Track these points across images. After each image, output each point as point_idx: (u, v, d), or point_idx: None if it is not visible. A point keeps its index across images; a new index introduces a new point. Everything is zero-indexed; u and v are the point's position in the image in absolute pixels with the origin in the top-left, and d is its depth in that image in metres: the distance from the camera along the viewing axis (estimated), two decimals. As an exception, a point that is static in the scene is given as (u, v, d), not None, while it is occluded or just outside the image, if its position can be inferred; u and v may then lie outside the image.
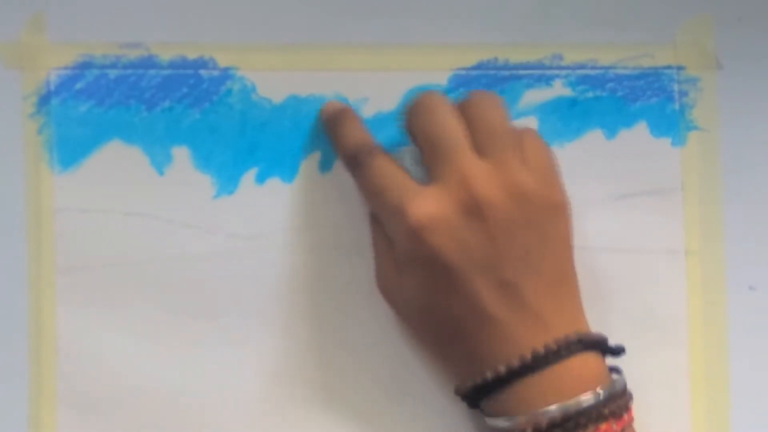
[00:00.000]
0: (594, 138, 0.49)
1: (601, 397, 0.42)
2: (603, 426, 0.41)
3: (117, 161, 0.46)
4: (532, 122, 0.48)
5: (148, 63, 0.47)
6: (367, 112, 0.47)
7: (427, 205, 0.42)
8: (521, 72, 0.48)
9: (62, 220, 0.46)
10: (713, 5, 0.49)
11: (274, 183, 0.47)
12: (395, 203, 0.43)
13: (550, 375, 0.42)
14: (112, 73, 0.47)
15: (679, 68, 0.49)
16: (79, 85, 0.46)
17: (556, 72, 0.48)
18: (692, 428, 0.49)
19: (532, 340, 0.42)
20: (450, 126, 0.43)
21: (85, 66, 0.46)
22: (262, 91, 0.47)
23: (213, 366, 0.47)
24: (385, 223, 0.44)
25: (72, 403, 0.46)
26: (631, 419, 0.43)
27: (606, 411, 0.42)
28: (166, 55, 0.47)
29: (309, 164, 0.47)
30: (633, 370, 0.48)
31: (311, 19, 0.47)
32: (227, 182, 0.47)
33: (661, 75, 0.49)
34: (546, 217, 0.43)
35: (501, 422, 0.43)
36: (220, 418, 0.47)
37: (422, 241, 0.42)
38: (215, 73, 0.47)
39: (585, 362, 0.43)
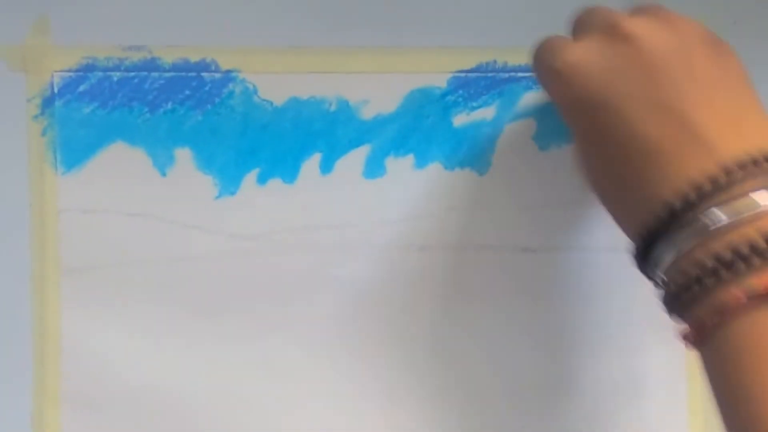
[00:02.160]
0: (592, 139, 0.49)
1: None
2: None
3: (120, 162, 0.47)
4: (530, 124, 0.48)
5: (151, 65, 0.47)
6: (368, 113, 0.48)
7: (570, 51, 0.41)
8: (520, 74, 0.48)
9: (66, 220, 0.47)
10: (709, 8, 0.49)
11: (276, 184, 0.47)
12: (548, 58, 0.41)
13: (719, 210, 0.37)
14: (116, 76, 0.47)
15: (677, 70, 0.49)
16: (82, 88, 0.47)
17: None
18: (690, 428, 0.49)
19: (699, 171, 0.37)
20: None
21: (88, 68, 0.47)
22: (264, 93, 0.47)
23: (215, 365, 0.47)
24: (547, 90, 0.43)
25: (75, 402, 0.47)
26: None
27: None
28: (168, 58, 0.47)
29: (310, 165, 0.48)
30: (631, 369, 0.49)
31: (312, 22, 0.48)
32: (229, 183, 0.47)
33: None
34: (711, 49, 0.40)
35: (666, 279, 0.38)
36: (222, 417, 0.47)
37: (568, 86, 0.40)
38: (217, 75, 0.47)
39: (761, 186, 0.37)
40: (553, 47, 0.42)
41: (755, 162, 0.37)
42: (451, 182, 0.48)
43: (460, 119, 0.48)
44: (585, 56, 0.40)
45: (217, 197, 0.47)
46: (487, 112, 0.48)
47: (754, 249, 0.36)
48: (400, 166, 0.48)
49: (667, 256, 0.38)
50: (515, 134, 0.48)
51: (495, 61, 0.48)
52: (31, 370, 0.46)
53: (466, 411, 0.48)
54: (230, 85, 0.47)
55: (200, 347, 0.47)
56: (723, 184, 0.37)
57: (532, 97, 0.48)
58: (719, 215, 0.37)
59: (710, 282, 0.36)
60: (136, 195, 0.47)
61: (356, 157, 0.48)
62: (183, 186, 0.47)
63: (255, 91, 0.47)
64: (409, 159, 0.48)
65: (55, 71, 0.47)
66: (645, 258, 0.39)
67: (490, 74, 0.48)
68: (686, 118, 0.38)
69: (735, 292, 0.36)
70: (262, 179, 0.47)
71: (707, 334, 0.37)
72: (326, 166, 0.48)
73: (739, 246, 0.36)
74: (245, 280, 0.47)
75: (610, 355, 0.49)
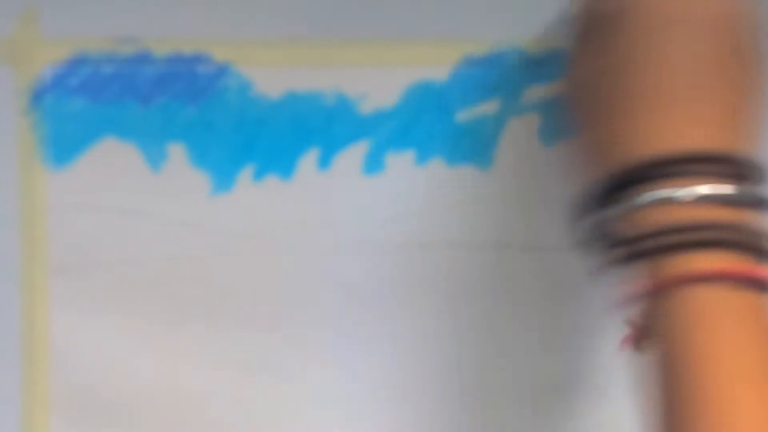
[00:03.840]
0: (597, 134, 0.48)
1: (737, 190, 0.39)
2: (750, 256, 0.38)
3: (111, 158, 0.46)
4: (534, 119, 0.48)
5: (143, 58, 0.46)
6: (367, 108, 0.47)
7: None
8: (523, 68, 0.48)
9: (56, 218, 0.46)
10: None
11: (272, 180, 0.47)
12: None
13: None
14: (107, 69, 0.46)
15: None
16: (73, 81, 0.46)
17: (557, 69, 0.48)
18: None
19: (702, 140, 0.39)
20: None
21: (79, 61, 0.46)
22: (260, 86, 0.47)
23: (209, 365, 0.47)
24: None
25: (65, 407, 0.46)
26: None
27: (762, 242, 0.38)
28: (161, 51, 0.46)
29: (307, 161, 0.47)
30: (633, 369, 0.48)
31: (309, 14, 0.47)
32: (223, 180, 0.47)
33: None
34: (748, 44, 0.41)
35: (631, 225, 0.40)
36: (219, 419, 0.47)
37: None
38: (211, 68, 0.47)
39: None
40: None
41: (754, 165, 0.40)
42: (453, 179, 0.48)
43: (462, 114, 0.48)
44: None
45: (212, 194, 0.47)
46: (489, 107, 0.48)
47: (750, 233, 0.38)
48: (401, 162, 0.48)
49: (647, 199, 0.39)
50: (518, 130, 0.48)
51: (498, 54, 0.48)
52: (19, 373, 0.46)
53: (467, 410, 0.48)
54: (225, 79, 0.47)
55: (193, 346, 0.47)
56: (723, 164, 0.39)
57: (535, 92, 0.48)
58: (724, 188, 0.39)
59: (690, 239, 0.38)
60: (128, 191, 0.46)
61: (355, 153, 0.47)
62: (176, 182, 0.47)
63: (250, 85, 0.47)
64: (410, 154, 0.48)
65: (45, 64, 0.46)
66: (609, 197, 0.40)
67: (493, 67, 0.48)
68: (719, 92, 0.40)
69: (706, 258, 0.38)
70: (257, 175, 0.47)
71: (665, 289, 0.38)
72: (324, 162, 0.47)
73: (735, 222, 0.38)
74: (240, 278, 0.47)
75: (611, 353, 0.48)
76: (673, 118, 0.40)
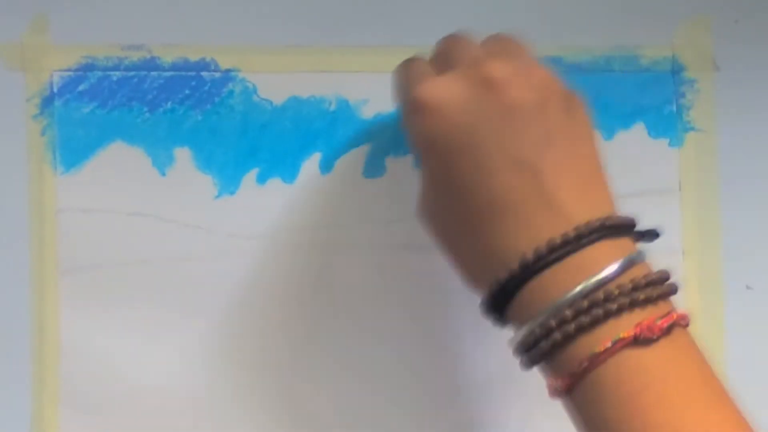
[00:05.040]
0: (592, 139, 0.49)
1: (620, 267, 0.37)
2: (637, 312, 0.36)
3: (119, 162, 0.47)
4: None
5: (151, 65, 0.47)
6: (367, 113, 0.48)
7: (434, 86, 0.39)
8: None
9: (65, 220, 0.47)
10: (711, 7, 0.49)
11: (275, 183, 0.47)
12: (407, 89, 0.41)
13: (570, 264, 0.37)
14: (115, 75, 0.47)
15: (677, 70, 0.49)
16: (82, 87, 0.47)
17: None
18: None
19: (550, 230, 0.37)
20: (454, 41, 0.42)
21: (87, 68, 0.47)
22: (263, 92, 0.47)
23: (214, 365, 0.47)
24: (404, 120, 0.42)
25: (74, 403, 0.47)
26: (682, 318, 0.37)
27: (639, 296, 0.36)
28: (168, 57, 0.47)
29: (310, 165, 0.48)
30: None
31: (311, 21, 0.48)
32: (228, 183, 0.47)
33: (658, 76, 0.49)
34: (565, 104, 0.40)
35: (521, 331, 0.38)
36: (221, 417, 0.47)
37: (429, 122, 0.39)
38: (217, 75, 0.47)
39: (609, 247, 0.38)
40: (417, 75, 0.41)
41: (602, 227, 0.38)
42: (451, 182, 0.48)
43: (460, 118, 0.48)
44: (447, 94, 0.39)
45: (217, 197, 0.47)
46: (486, 112, 0.48)
47: (608, 296, 0.36)
48: (400, 166, 0.48)
49: (522, 309, 0.38)
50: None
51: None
52: (30, 370, 0.46)
53: (467, 409, 0.48)
54: (230, 85, 0.47)
55: (199, 347, 0.47)
56: (574, 244, 0.37)
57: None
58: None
59: (571, 329, 0.36)
60: (136, 195, 0.47)
61: (356, 157, 0.48)
62: (182, 185, 0.47)
63: (255, 91, 0.47)
64: (409, 158, 0.48)
65: (55, 70, 0.47)
66: (496, 309, 0.39)
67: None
68: (541, 179, 0.38)
69: (600, 338, 0.36)
70: (261, 179, 0.47)
71: (575, 381, 0.37)
72: (326, 166, 0.48)
73: (594, 294, 0.36)
74: (244, 279, 0.47)
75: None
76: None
